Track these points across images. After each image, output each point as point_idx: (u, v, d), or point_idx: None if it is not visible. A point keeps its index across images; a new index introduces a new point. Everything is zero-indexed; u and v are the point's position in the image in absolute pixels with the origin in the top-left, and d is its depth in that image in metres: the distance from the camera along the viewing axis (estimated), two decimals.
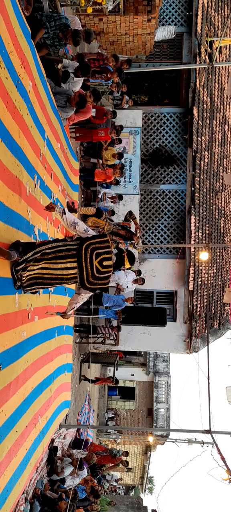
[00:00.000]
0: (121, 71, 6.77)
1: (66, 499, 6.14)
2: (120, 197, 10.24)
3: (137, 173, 11.03)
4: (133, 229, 7.82)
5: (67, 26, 4.94)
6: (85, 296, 4.06)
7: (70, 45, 5.44)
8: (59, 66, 5.43)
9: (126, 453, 11.01)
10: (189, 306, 10.92)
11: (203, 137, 10.87)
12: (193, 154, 10.69)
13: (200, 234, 10.95)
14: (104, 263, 3.66)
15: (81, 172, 8.23)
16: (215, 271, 11.57)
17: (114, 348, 11.48)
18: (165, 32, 10.47)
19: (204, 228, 11.06)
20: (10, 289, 3.68)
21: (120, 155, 9.24)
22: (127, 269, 8.46)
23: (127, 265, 3.95)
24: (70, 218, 3.83)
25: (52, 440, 6.97)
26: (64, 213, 3.83)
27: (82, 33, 5.88)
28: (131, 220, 7.75)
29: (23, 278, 3.68)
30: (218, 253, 11.71)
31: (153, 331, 11.03)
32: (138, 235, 7.66)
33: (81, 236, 3.81)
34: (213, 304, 11.57)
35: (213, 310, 11.57)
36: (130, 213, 7.75)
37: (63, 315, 4.52)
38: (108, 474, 19.78)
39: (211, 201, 11.05)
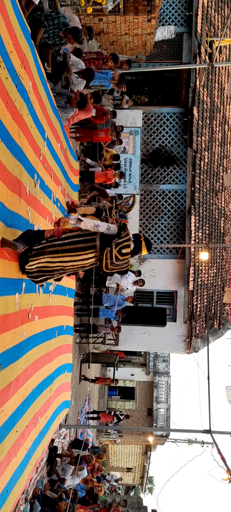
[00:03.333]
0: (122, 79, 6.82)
1: (66, 499, 6.14)
2: (120, 197, 10.23)
3: (137, 173, 11.03)
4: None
5: (66, 25, 4.93)
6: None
7: (70, 45, 5.44)
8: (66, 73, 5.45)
9: (124, 502, 9.76)
10: (189, 306, 10.92)
11: (203, 137, 10.87)
12: (193, 154, 10.69)
13: (200, 234, 10.95)
14: (123, 250, 3.76)
15: (80, 174, 8.24)
16: (215, 271, 11.57)
17: (114, 348, 11.48)
18: (165, 32, 10.47)
19: (204, 228, 11.06)
20: (10, 289, 3.68)
21: (116, 157, 9.17)
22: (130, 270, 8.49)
23: (144, 251, 3.99)
24: (90, 222, 3.92)
25: (52, 440, 6.97)
26: (81, 220, 3.88)
27: (84, 29, 5.91)
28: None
29: (31, 267, 3.71)
30: (218, 253, 11.71)
31: (153, 331, 11.04)
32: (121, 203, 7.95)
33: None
34: (213, 304, 11.57)
35: (213, 310, 11.57)
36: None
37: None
38: (108, 474, 19.79)
39: (211, 201, 11.05)
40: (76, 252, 3.67)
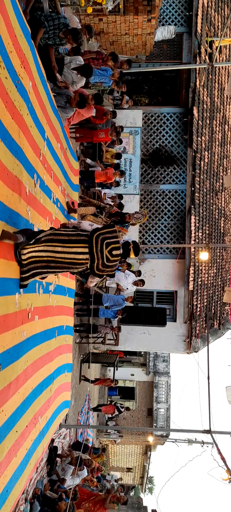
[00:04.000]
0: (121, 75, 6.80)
1: (66, 499, 6.14)
2: (120, 197, 10.23)
3: (137, 173, 11.03)
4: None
5: (66, 25, 4.94)
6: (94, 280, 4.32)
7: (70, 46, 5.44)
8: (59, 77, 5.44)
9: (122, 488, 9.65)
10: (189, 306, 10.92)
11: (203, 137, 10.87)
12: (193, 154, 10.69)
13: (200, 234, 10.95)
14: (114, 252, 3.82)
15: (80, 174, 8.25)
16: (215, 271, 11.57)
17: (114, 348, 11.48)
18: (165, 32, 10.47)
19: (204, 228, 11.06)
20: (10, 289, 3.68)
21: (118, 156, 9.21)
22: (128, 269, 8.51)
23: (132, 256, 4.20)
24: (86, 223, 4.00)
25: (52, 440, 6.97)
26: (80, 223, 4.08)
27: (83, 29, 5.90)
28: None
29: (23, 258, 3.72)
30: (218, 253, 11.71)
31: (153, 331, 11.03)
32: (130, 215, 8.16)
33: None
34: (213, 304, 11.57)
35: (213, 310, 11.57)
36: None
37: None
38: (108, 474, 19.79)
39: (211, 201, 11.05)
40: (69, 243, 3.72)
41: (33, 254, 3.72)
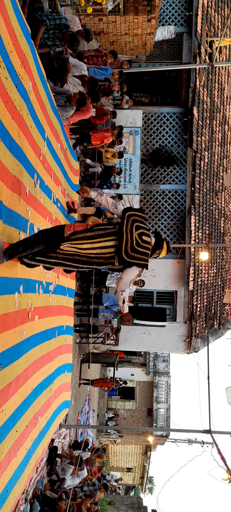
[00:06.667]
0: (122, 85, 6.77)
1: (66, 499, 6.14)
2: (120, 197, 10.24)
3: (137, 173, 11.03)
4: None
5: (67, 26, 4.94)
6: (132, 274, 3.72)
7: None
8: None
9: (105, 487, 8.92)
10: (189, 306, 10.92)
11: (203, 137, 10.87)
12: (193, 154, 10.69)
13: (200, 234, 10.95)
14: (144, 237, 3.52)
15: (75, 132, 7.66)
16: (215, 271, 11.57)
17: (114, 348, 11.48)
18: (165, 32, 10.48)
19: (204, 228, 11.06)
20: (10, 289, 3.68)
21: (120, 154, 9.24)
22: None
23: (164, 252, 3.78)
24: (110, 199, 3.75)
25: (52, 440, 6.98)
26: (102, 194, 3.77)
27: (82, 32, 5.90)
28: None
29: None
30: (218, 253, 11.71)
31: (153, 331, 11.04)
32: None
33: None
34: (213, 304, 11.57)
35: (213, 310, 11.57)
36: None
37: (123, 315, 4.25)
38: (108, 474, 19.79)
39: (211, 201, 11.05)
40: (96, 239, 3.50)
41: (56, 255, 3.60)
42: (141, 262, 3.51)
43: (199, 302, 11.04)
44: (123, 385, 15.91)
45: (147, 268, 3.60)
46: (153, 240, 3.66)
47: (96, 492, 7.66)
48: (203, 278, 11.04)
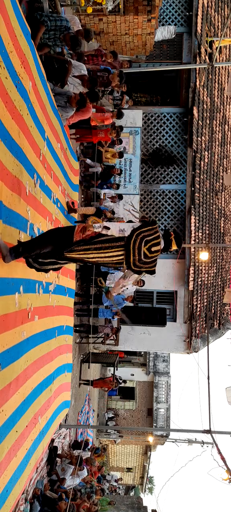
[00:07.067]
0: (122, 76, 6.74)
1: (66, 499, 6.14)
2: (120, 197, 10.24)
3: (137, 173, 11.03)
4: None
5: (67, 28, 4.94)
6: (131, 278, 3.97)
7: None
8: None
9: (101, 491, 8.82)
10: (189, 306, 10.92)
11: (203, 137, 10.87)
12: (193, 154, 10.69)
13: (200, 234, 10.95)
14: (153, 248, 3.65)
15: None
16: (215, 271, 11.57)
17: (114, 348, 11.48)
18: (165, 32, 10.48)
19: (204, 228, 11.06)
20: (10, 289, 3.68)
21: (120, 154, 9.24)
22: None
23: (174, 247, 3.89)
24: (116, 227, 3.82)
25: (52, 440, 6.97)
26: (107, 228, 3.82)
27: (82, 32, 5.89)
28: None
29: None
30: (218, 253, 11.71)
31: (153, 331, 11.03)
32: None
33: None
34: (213, 304, 11.57)
35: (213, 310, 11.57)
36: None
37: (108, 294, 4.46)
38: (108, 474, 19.80)
39: (211, 201, 11.05)
40: (104, 250, 3.59)
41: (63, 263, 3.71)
42: (148, 269, 3.73)
43: (199, 302, 11.04)
44: (123, 384, 15.90)
45: (154, 273, 3.81)
46: (162, 244, 3.76)
47: (93, 494, 7.66)
48: (203, 278, 11.04)
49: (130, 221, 4.45)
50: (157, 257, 3.72)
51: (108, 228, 3.83)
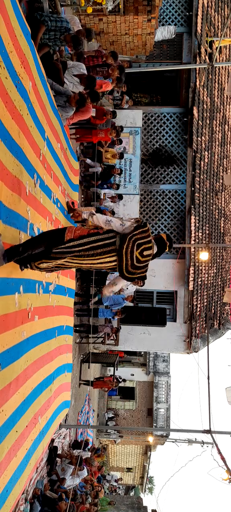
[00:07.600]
0: (122, 69, 6.70)
1: (66, 499, 6.14)
2: (120, 197, 10.25)
3: (137, 173, 11.03)
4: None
5: (68, 29, 4.94)
6: (120, 284, 4.01)
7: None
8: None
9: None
10: (189, 306, 10.92)
11: (203, 137, 10.87)
12: (193, 154, 10.69)
13: (200, 234, 10.95)
14: (145, 252, 3.63)
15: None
16: (215, 271, 11.57)
17: (114, 348, 11.48)
18: (165, 32, 10.48)
19: (204, 228, 11.06)
20: (10, 289, 3.68)
21: (121, 155, 9.24)
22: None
23: (166, 249, 3.90)
24: (102, 217, 3.79)
25: (52, 440, 6.97)
26: (93, 214, 3.82)
27: (83, 31, 5.89)
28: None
29: (41, 267, 3.71)
30: (218, 253, 11.71)
31: (153, 331, 11.04)
32: None
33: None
34: (213, 304, 11.57)
35: (213, 310, 11.57)
36: None
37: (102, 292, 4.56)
38: (108, 474, 19.81)
39: (211, 201, 11.05)
40: (95, 256, 3.60)
41: (55, 263, 3.65)
42: (140, 275, 3.70)
43: (199, 302, 11.04)
44: (122, 383, 15.92)
45: (145, 278, 3.78)
46: (155, 249, 3.74)
47: (87, 496, 7.66)
48: (203, 278, 11.04)
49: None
50: (149, 261, 3.70)
51: (94, 214, 3.83)
